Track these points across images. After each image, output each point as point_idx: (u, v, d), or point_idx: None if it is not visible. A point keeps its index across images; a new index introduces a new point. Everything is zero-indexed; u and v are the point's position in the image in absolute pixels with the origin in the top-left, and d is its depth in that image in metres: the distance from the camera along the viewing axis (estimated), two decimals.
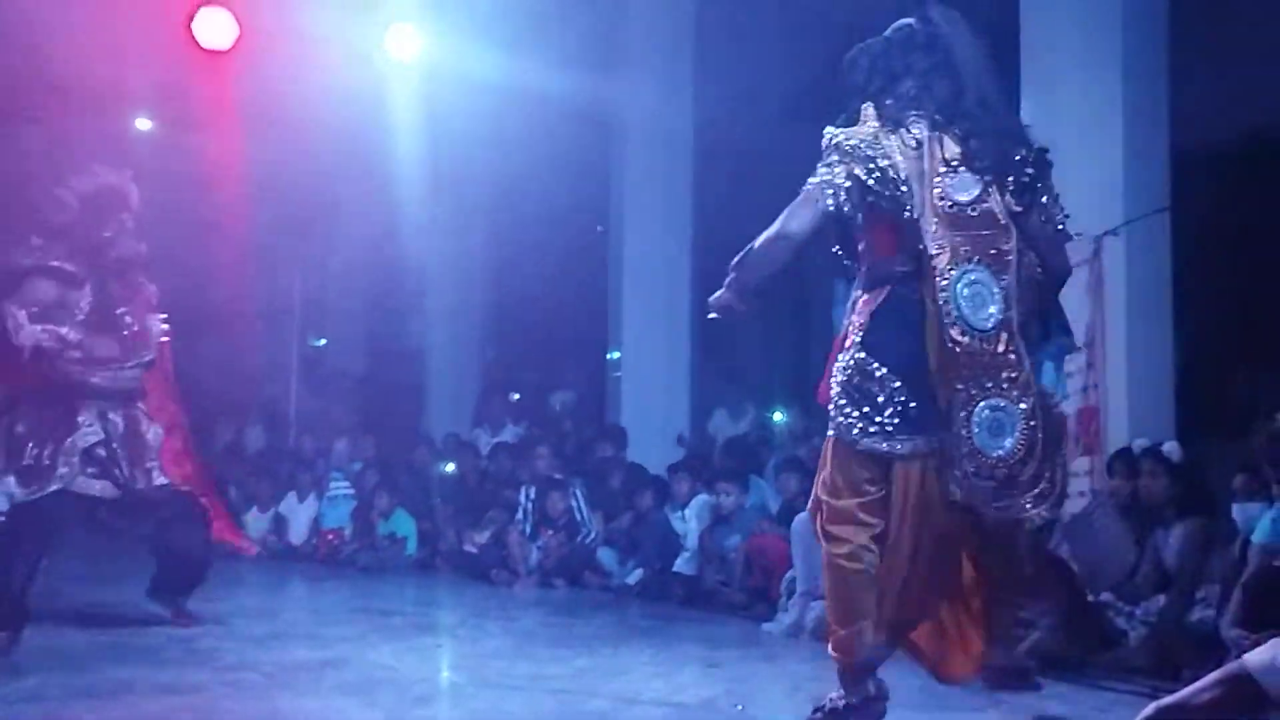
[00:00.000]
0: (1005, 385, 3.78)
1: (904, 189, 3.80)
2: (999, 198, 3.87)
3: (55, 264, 5.87)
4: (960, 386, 3.74)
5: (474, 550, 9.04)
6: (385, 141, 11.97)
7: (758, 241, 3.91)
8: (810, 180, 3.85)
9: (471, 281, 13.05)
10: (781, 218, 3.87)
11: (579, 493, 8.68)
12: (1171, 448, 5.38)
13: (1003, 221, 3.85)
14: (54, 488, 5.66)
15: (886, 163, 3.81)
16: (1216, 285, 7.98)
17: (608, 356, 10.34)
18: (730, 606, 6.99)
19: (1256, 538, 4.61)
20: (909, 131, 3.88)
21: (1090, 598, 5.35)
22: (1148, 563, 5.36)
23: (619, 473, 9.02)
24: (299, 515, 10.68)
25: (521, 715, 4.02)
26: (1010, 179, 3.89)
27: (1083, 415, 6.25)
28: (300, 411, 12.99)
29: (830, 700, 3.80)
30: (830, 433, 3.89)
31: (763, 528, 7.05)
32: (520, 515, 8.84)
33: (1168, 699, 2.03)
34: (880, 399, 3.75)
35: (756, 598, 6.82)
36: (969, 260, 3.80)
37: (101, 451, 5.82)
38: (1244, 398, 7.94)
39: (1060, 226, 3.97)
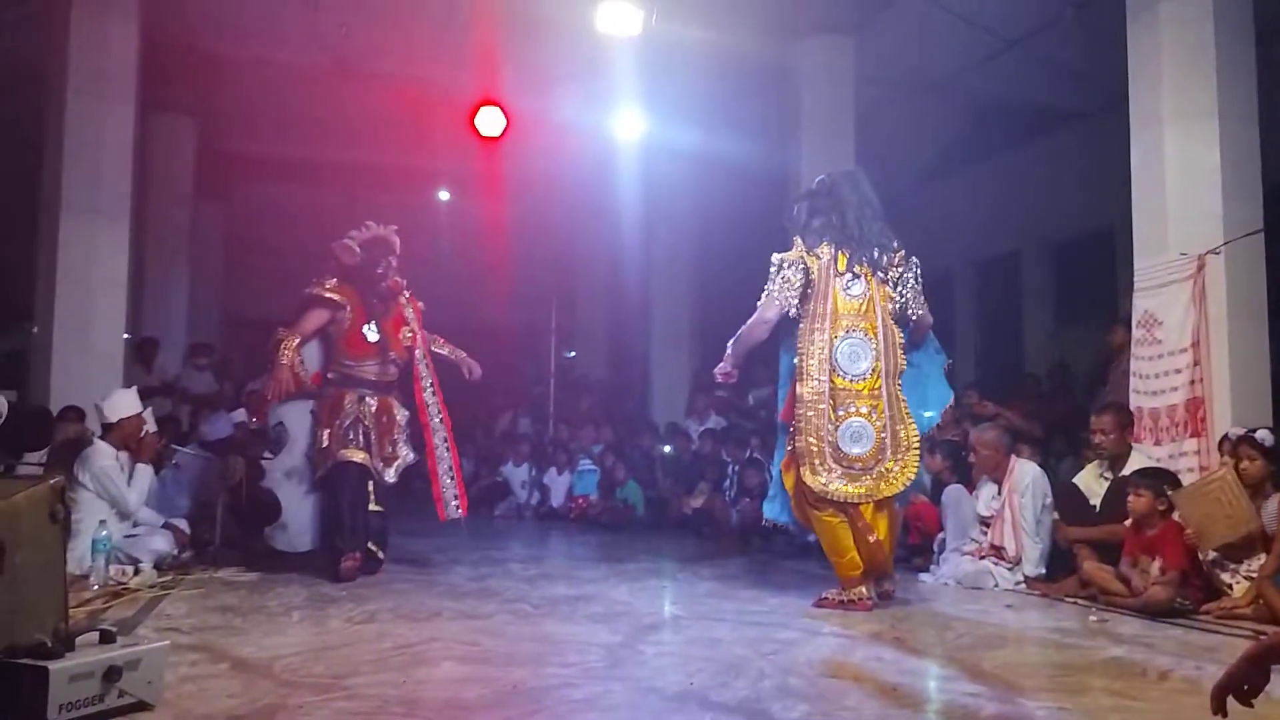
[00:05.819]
0: (866, 410, 4.86)
1: (818, 289, 4.91)
2: (879, 290, 4.95)
3: (327, 295, 5.90)
4: (839, 409, 4.83)
5: (689, 513, 9.08)
6: (616, 201, 12.26)
7: (744, 328, 5.02)
8: (770, 285, 4.94)
9: (682, 305, 13.08)
10: (758, 311, 4.97)
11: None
12: (1265, 434, 4.95)
13: (875, 307, 4.93)
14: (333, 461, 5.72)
15: (812, 276, 4.92)
16: None
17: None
18: (893, 560, 6.77)
19: None
20: (821, 253, 4.98)
21: (1201, 556, 4.98)
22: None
23: None
24: (558, 485, 10.96)
25: (728, 641, 3.98)
26: (885, 276, 4.98)
27: (1191, 404, 5.83)
28: (558, 406, 13.33)
29: (835, 595, 4.85)
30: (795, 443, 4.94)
31: (918, 497, 6.82)
32: (726, 485, 8.84)
33: (1269, 637, 1.86)
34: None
35: (914, 552, 6.61)
36: (850, 332, 4.88)
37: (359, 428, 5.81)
38: None
39: (916, 303, 5.03)
